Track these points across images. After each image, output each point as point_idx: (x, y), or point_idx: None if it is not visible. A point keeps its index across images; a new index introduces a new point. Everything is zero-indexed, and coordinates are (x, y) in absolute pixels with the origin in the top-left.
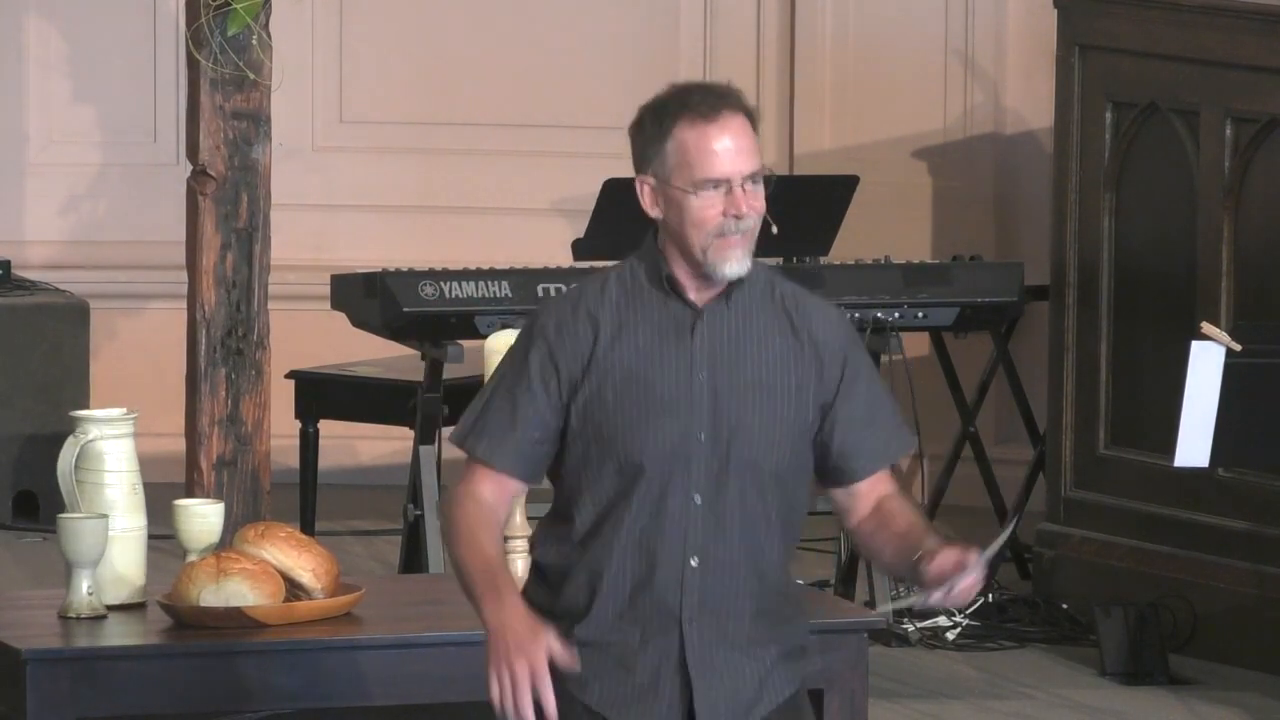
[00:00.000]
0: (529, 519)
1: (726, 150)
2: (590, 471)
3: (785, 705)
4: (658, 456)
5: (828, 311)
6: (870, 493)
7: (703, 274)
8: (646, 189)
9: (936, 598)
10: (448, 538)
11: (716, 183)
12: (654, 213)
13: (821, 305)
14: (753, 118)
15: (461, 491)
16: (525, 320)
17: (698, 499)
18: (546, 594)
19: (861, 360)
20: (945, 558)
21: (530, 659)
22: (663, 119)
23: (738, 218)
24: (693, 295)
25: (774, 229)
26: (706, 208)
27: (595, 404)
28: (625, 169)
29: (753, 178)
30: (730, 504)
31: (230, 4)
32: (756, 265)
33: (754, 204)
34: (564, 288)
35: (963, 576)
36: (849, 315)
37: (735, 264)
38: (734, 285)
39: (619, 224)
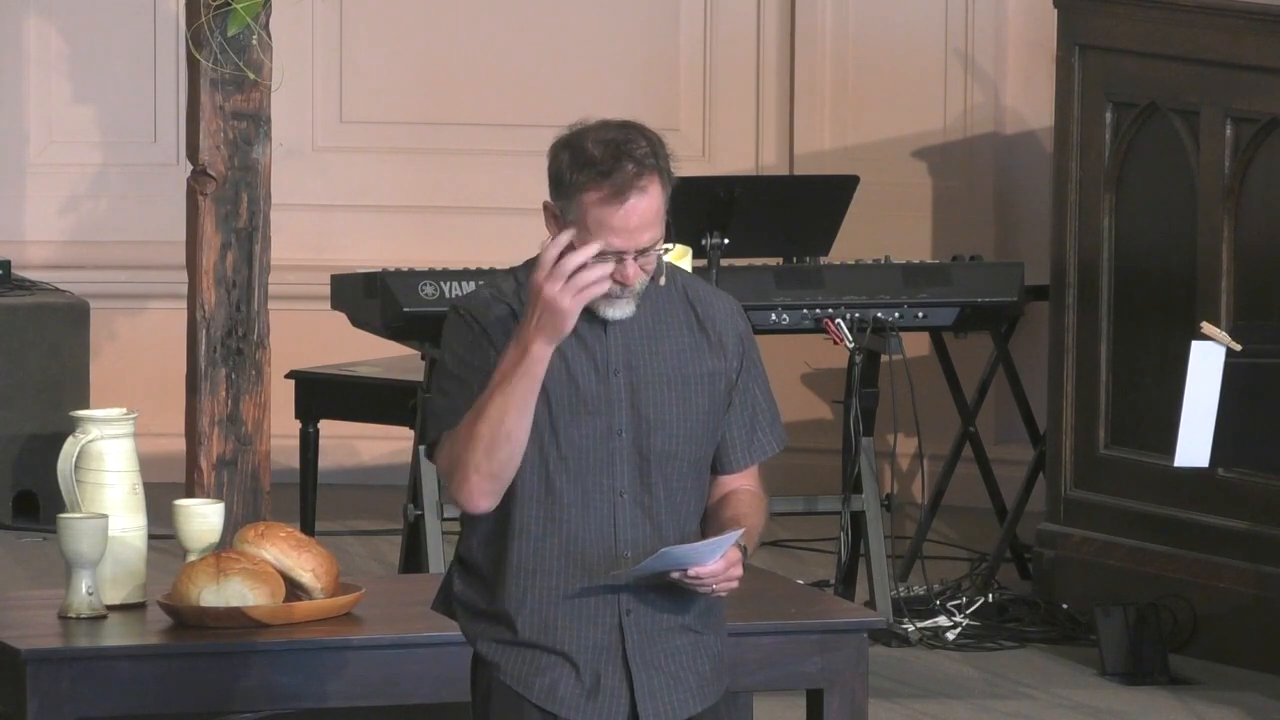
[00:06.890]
0: None
1: (626, 229)
2: (521, 468)
3: (725, 701)
4: (582, 453)
5: (727, 301)
6: (731, 483)
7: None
8: (551, 216)
9: (675, 575)
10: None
11: (610, 253)
12: (551, 233)
13: (720, 295)
14: (663, 175)
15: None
16: (450, 324)
17: (624, 493)
18: (480, 593)
19: (754, 353)
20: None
21: (549, 301)
22: (576, 173)
23: (623, 284)
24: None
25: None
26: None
27: None
28: None
29: (645, 250)
30: (656, 495)
31: (230, 4)
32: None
33: (645, 269)
34: None
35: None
36: (849, 315)
37: (618, 310)
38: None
39: None
